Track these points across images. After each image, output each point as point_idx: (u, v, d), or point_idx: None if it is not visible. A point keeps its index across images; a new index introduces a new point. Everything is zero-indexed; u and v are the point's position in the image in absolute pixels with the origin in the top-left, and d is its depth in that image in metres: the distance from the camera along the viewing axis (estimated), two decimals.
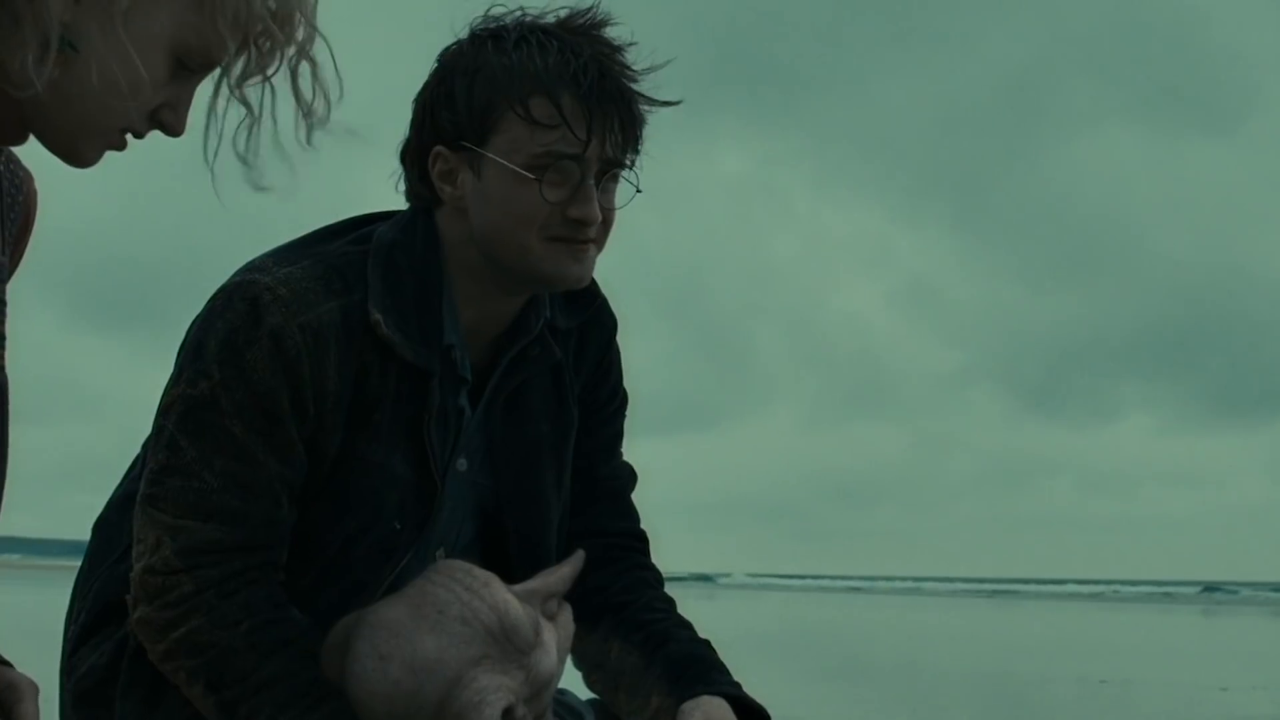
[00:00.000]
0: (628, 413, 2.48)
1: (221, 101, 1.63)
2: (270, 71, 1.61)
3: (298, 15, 1.60)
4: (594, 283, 2.32)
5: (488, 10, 2.18)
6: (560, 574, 2.11)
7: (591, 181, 2.10)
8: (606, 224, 2.15)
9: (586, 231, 2.12)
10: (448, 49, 2.18)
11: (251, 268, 2.08)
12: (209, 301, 2.08)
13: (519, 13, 2.17)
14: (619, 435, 2.47)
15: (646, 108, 2.15)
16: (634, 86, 2.14)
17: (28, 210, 1.78)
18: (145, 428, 2.14)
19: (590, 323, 2.37)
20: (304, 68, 1.63)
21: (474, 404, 2.23)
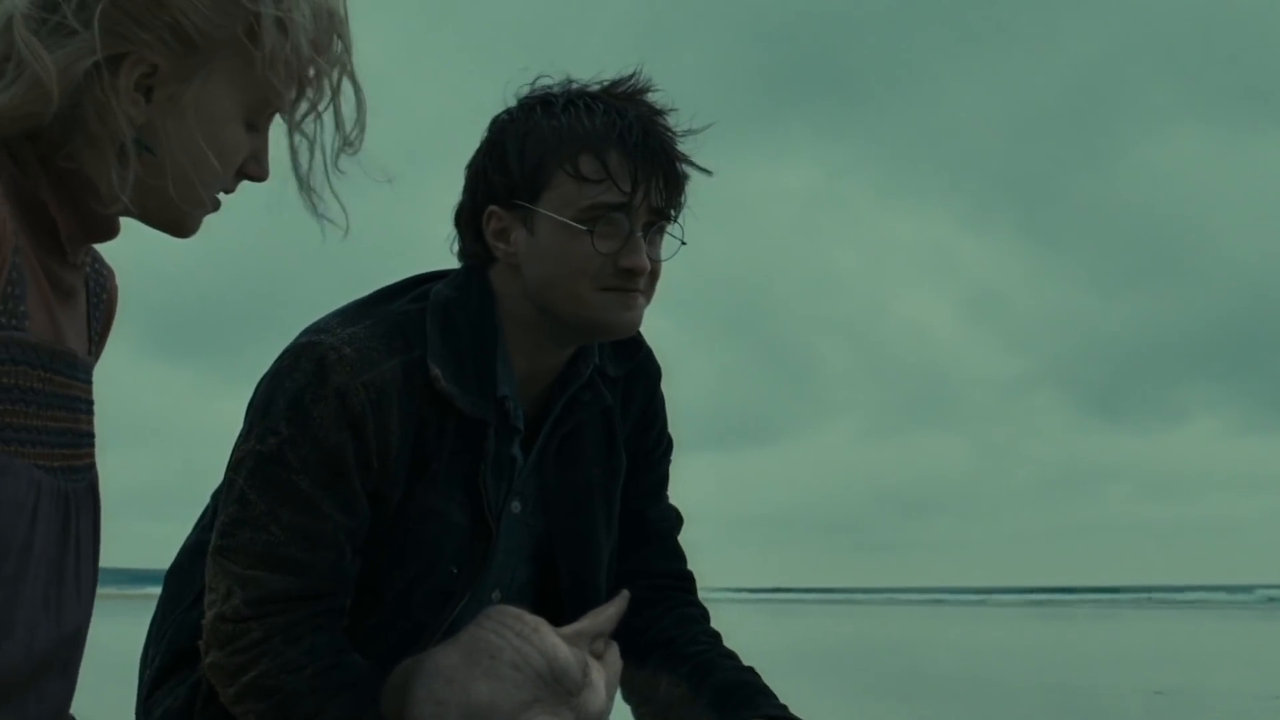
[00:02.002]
0: (673, 457, 2.57)
1: (292, 140, 1.73)
2: (322, 106, 1.71)
3: (335, 39, 1.70)
4: (638, 332, 2.41)
5: (535, 80, 2.30)
6: (606, 614, 2.19)
7: (639, 233, 2.20)
8: (654, 274, 2.25)
9: (636, 281, 2.21)
10: (498, 116, 2.29)
11: (317, 329, 2.18)
12: (276, 361, 2.17)
13: (566, 81, 2.29)
14: (665, 479, 2.56)
15: (687, 168, 2.26)
16: (678, 147, 2.24)
17: (110, 309, 1.87)
18: (208, 456, 2.21)
19: (636, 371, 2.47)
20: (346, 88, 1.72)
21: (526, 450, 2.32)
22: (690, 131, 2.26)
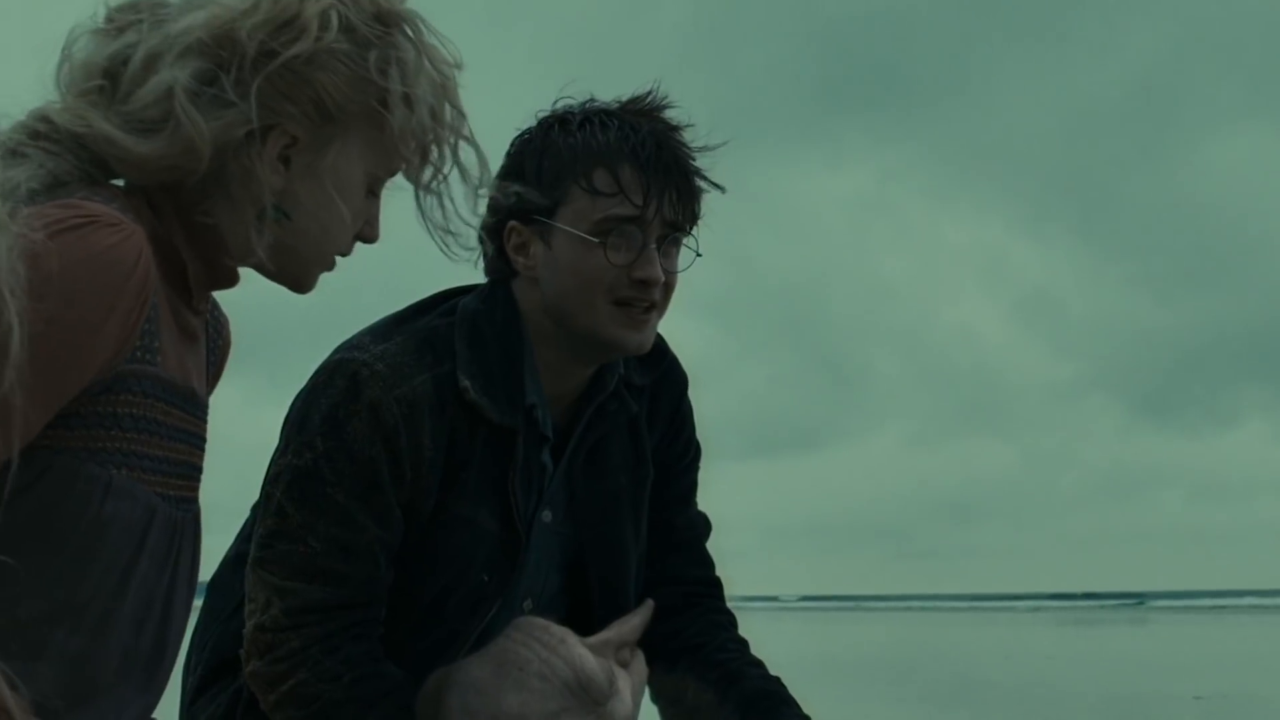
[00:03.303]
0: (701, 464, 2.61)
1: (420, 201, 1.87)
2: (446, 168, 1.84)
3: (448, 106, 1.82)
4: (663, 341, 2.48)
5: (555, 101, 2.37)
6: (631, 624, 2.25)
7: (653, 245, 2.25)
8: (668, 286, 2.30)
9: (650, 293, 2.26)
10: (519, 135, 2.36)
11: (350, 346, 2.25)
12: (311, 378, 2.24)
13: (585, 100, 2.35)
14: (694, 486, 2.60)
15: (702, 183, 2.31)
16: (692, 162, 2.30)
17: (224, 353, 2.00)
18: (259, 471, 2.28)
19: (662, 380, 2.51)
20: (464, 149, 1.85)
21: (556, 460, 2.37)
22: (706, 148, 2.32)
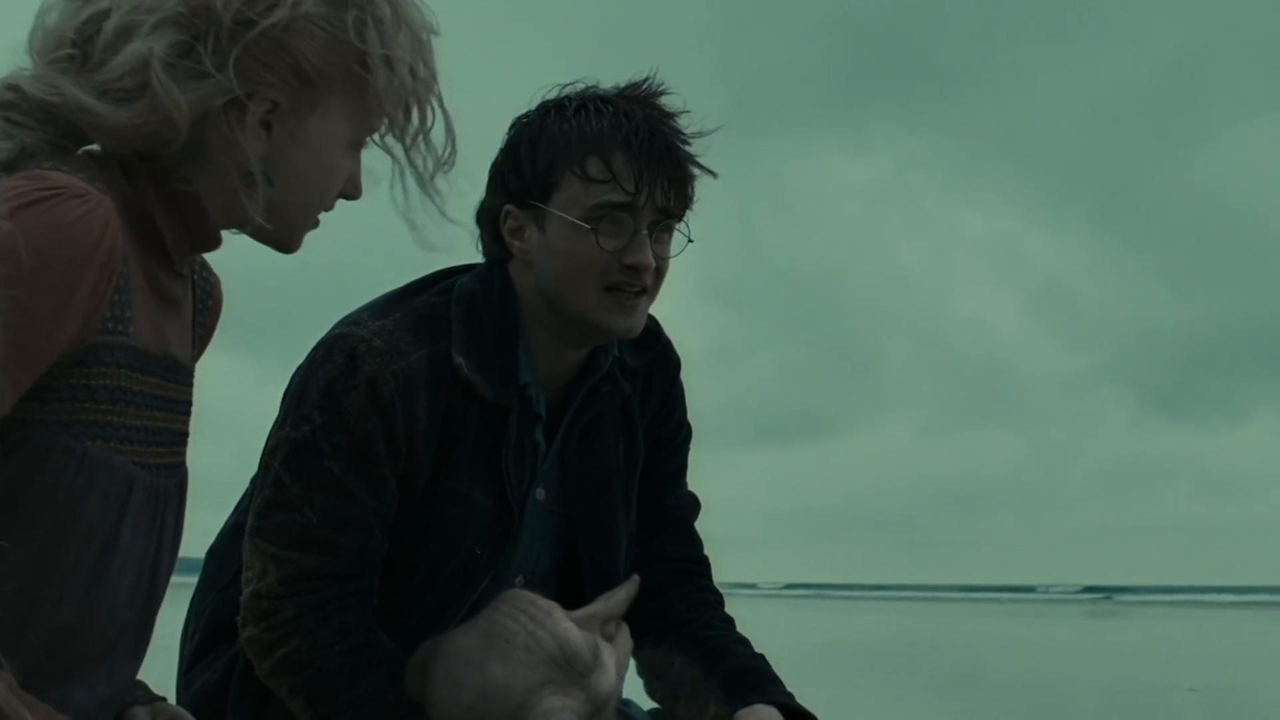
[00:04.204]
0: (691, 445, 2.65)
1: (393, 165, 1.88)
2: (429, 126, 1.86)
3: (423, 65, 1.83)
4: (657, 324, 2.53)
5: (557, 86, 2.40)
6: (617, 598, 2.30)
7: (645, 231, 2.29)
8: (660, 272, 2.34)
9: (642, 278, 2.30)
10: (518, 119, 2.40)
11: (349, 321, 2.29)
12: (310, 352, 2.29)
13: (585, 86, 2.38)
14: (684, 467, 2.64)
15: (696, 170, 2.35)
16: (685, 148, 2.33)
17: (214, 314, 2.02)
18: (259, 444, 2.32)
19: (656, 362, 2.55)
20: (438, 118, 1.87)
21: (549, 439, 2.41)
22: (700, 134, 2.36)
